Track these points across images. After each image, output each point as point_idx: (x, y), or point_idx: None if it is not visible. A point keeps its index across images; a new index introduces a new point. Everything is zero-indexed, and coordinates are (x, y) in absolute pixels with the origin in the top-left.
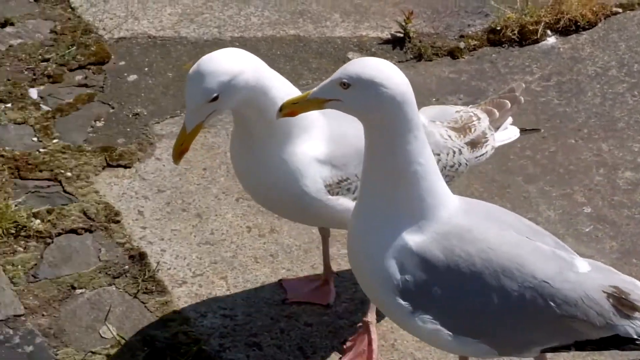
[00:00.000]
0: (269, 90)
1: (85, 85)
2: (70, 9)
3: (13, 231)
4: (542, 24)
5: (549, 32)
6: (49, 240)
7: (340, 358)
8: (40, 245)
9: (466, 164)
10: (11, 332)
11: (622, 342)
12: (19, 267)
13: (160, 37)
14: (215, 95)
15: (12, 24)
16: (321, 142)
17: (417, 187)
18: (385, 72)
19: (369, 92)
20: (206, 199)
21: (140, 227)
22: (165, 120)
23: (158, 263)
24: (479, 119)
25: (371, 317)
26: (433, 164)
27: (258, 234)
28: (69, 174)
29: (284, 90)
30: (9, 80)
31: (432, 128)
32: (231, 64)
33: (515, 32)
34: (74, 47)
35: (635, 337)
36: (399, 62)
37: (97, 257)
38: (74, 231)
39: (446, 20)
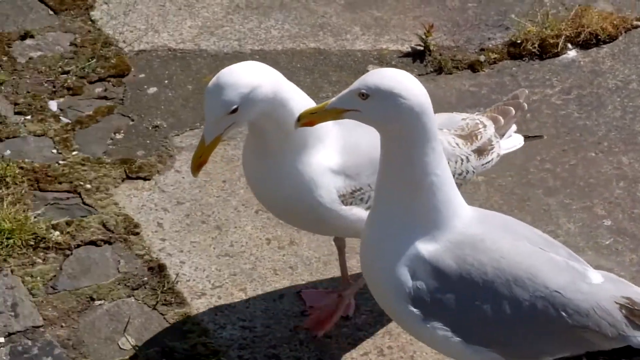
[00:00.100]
0: (287, 102)
1: (105, 98)
2: (90, 22)
3: (32, 243)
4: (563, 37)
5: (569, 45)
6: (68, 252)
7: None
8: (59, 257)
9: (473, 171)
10: (30, 343)
11: (634, 353)
12: (38, 278)
13: (180, 49)
14: (234, 107)
15: (32, 37)
16: (335, 152)
17: (432, 198)
18: (404, 82)
19: (387, 103)
20: (225, 211)
21: (159, 239)
22: (184, 133)
23: (177, 275)
24: (484, 126)
25: (349, 294)
26: (449, 175)
27: (277, 246)
28: (88, 185)
29: (302, 103)
30: (28, 92)
31: (440, 136)
32: (250, 76)
33: (536, 45)
34: (94, 60)
35: None
36: (419, 75)
37: (116, 269)
38: (93, 243)
39: (467, 33)
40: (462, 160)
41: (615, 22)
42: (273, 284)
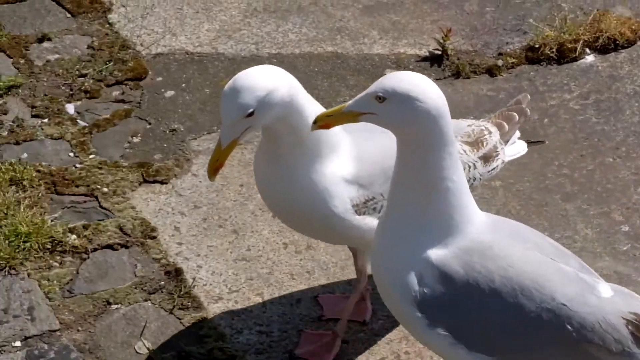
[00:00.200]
0: (302, 107)
1: (122, 101)
2: (107, 25)
3: (49, 246)
4: (581, 42)
5: (587, 50)
6: (84, 256)
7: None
8: (76, 261)
9: (480, 178)
10: (46, 347)
11: None
12: (55, 282)
13: (198, 53)
14: (251, 110)
15: (49, 39)
16: (348, 161)
17: (446, 204)
18: (421, 86)
19: (404, 106)
20: (243, 215)
21: (176, 243)
22: (202, 137)
23: (194, 279)
24: (490, 132)
25: (341, 330)
26: (464, 180)
27: (294, 251)
28: (105, 189)
29: (316, 109)
30: (46, 95)
31: None
32: (267, 79)
33: (554, 50)
34: (112, 63)
35: None
36: (437, 79)
37: (133, 273)
38: (110, 247)
39: (484, 37)
40: (469, 167)
41: (633, 27)
42: (290, 289)
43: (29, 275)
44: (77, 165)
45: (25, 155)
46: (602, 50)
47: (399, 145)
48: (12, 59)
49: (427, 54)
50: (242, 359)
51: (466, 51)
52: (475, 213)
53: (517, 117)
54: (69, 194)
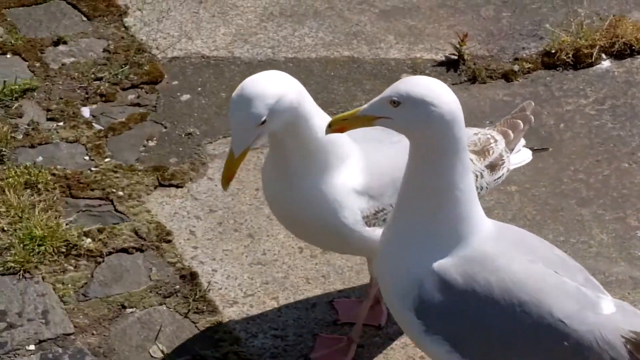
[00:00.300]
0: (309, 113)
1: (138, 105)
2: (123, 28)
3: (64, 250)
4: (597, 47)
5: (603, 55)
6: (99, 259)
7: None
8: (90, 264)
9: (487, 187)
10: (61, 350)
11: None
12: (70, 285)
13: (214, 57)
14: (263, 119)
15: (65, 43)
16: (358, 173)
17: (453, 213)
18: (436, 90)
19: (418, 111)
20: (258, 219)
21: (191, 247)
22: (217, 140)
23: (209, 283)
24: (496, 141)
25: (356, 335)
26: (473, 189)
27: (310, 255)
28: (120, 193)
29: (321, 117)
30: (61, 98)
31: None
32: (275, 86)
33: (570, 55)
34: (127, 66)
35: None
36: (453, 84)
37: (148, 277)
38: (125, 250)
39: (500, 42)
40: (476, 176)
41: None
42: (305, 293)
43: (43, 278)
44: (93, 169)
45: (40, 158)
46: (618, 55)
47: (412, 149)
48: (27, 62)
49: (444, 58)
50: None
51: (482, 56)
52: (481, 222)
53: (522, 124)
54: (84, 198)
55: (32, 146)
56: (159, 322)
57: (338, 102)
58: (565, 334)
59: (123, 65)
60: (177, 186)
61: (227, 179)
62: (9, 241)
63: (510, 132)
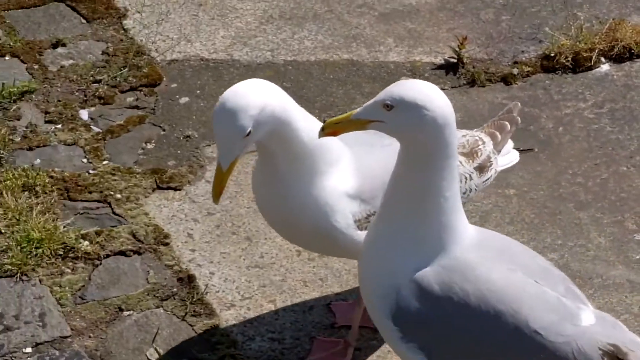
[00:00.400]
0: (293, 118)
1: (137, 107)
2: (122, 31)
3: (61, 252)
4: (596, 51)
5: (602, 59)
6: (97, 262)
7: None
8: (88, 267)
9: (475, 189)
10: (57, 353)
11: None
12: (67, 288)
13: (213, 59)
14: (249, 130)
15: (64, 45)
16: (349, 176)
17: (436, 220)
18: (429, 94)
19: (411, 114)
20: (256, 222)
21: (189, 250)
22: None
23: (207, 286)
24: (484, 142)
25: (352, 337)
26: (457, 197)
27: (307, 258)
28: (118, 195)
29: (307, 120)
30: (59, 101)
31: None
32: (257, 96)
33: (569, 58)
34: (126, 69)
35: None
36: (452, 87)
37: (145, 279)
38: (122, 253)
39: (500, 46)
40: (465, 178)
41: None
42: (303, 296)
43: (40, 281)
44: (91, 171)
45: (38, 160)
46: (618, 59)
47: (402, 152)
48: (26, 65)
49: (443, 62)
50: None
51: (481, 59)
52: (464, 230)
53: (509, 126)
54: (81, 200)
55: (30, 148)
56: (156, 325)
57: (337, 105)
58: (542, 345)
59: (122, 68)
60: (175, 189)
61: (217, 193)
62: (6, 244)
63: (497, 133)
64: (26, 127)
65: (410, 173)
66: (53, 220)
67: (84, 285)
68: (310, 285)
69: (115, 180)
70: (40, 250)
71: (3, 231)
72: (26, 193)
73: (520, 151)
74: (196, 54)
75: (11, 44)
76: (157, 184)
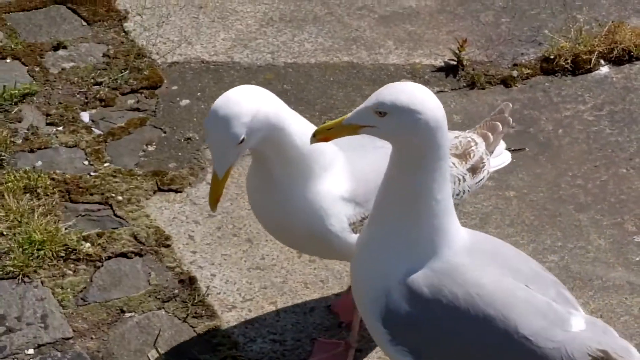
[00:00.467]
0: (285, 123)
1: (138, 110)
2: (123, 33)
3: (63, 254)
4: (596, 53)
5: (602, 61)
6: (98, 264)
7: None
8: (90, 269)
9: (468, 190)
10: (59, 354)
11: None
12: (69, 290)
13: (214, 62)
14: (242, 137)
15: (65, 47)
16: (344, 179)
17: (427, 223)
18: (422, 97)
19: (405, 119)
20: (257, 224)
21: (190, 252)
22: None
23: (208, 287)
24: (476, 143)
25: (353, 339)
26: (449, 200)
27: (308, 260)
28: (119, 197)
29: (300, 124)
30: (61, 103)
31: None
32: (250, 102)
33: (569, 61)
34: (127, 71)
35: None
36: (452, 89)
37: (146, 281)
38: (124, 255)
39: (499, 48)
40: (459, 180)
41: None
42: (303, 298)
43: (42, 283)
44: (92, 174)
45: (39, 163)
46: (617, 61)
47: (394, 155)
48: (27, 67)
49: (443, 64)
50: None
51: (481, 62)
52: (455, 233)
53: (500, 126)
54: (83, 202)
55: (32, 151)
56: (157, 327)
57: (337, 107)
58: (531, 351)
59: (123, 70)
60: (176, 191)
61: (214, 201)
62: (8, 245)
63: (489, 134)
64: (27, 130)
65: (402, 175)
66: (54, 222)
67: (85, 287)
68: (311, 286)
69: (116, 182)
70: (42, 252)
71: (5, 233)
72: (28, 195)
73: (512, 151)
74: (197, 56)
75: (12, 46)
76: (158, 186)
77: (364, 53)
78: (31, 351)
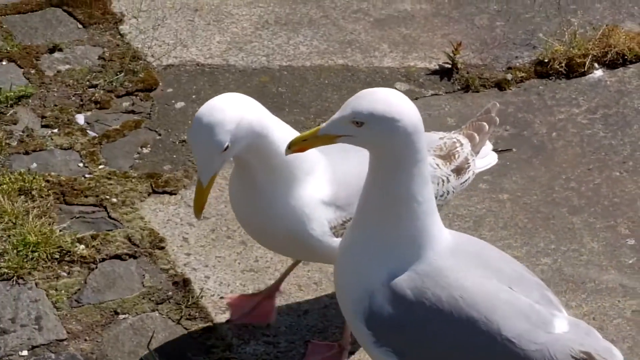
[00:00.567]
0: (269, 131)
1: (133, 112)
2: (119, 36)
3: (57, 256)
4: (590, 57)
5: (596, 65)
6: (93, 266)
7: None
8: (84, 271)
9: (453, 191)
10: (53, 356)
11: None
12: (63, 292)
13: (209, 64)
14: (226, 145)
15: (60, 50)
16: (325, 183)
17: (410, 225)
18: (398, 104)
19: (383, 127)
20: None
21: (184, 254)
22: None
23: (202, 289)
24: (461, 144)
25: (346, 341)
26: (431, 202)
27: (302, 262)
28: (114, 199)
29: (284, 131)
30: (56, 105)
31: None
32: (234, 110)
33: (563, 64)
34: (122, 74)
35: None
36: (447, 92)
37: (140, 283)
38: (118, 257)
39: (494, 51)
40: (443, 181)
41: None
42: (297, 300)
43: (36, 284)
44: (87, 176)
45: (34, 165)
46: (611, 65)
47: (372, 161)
48: (22, 69)
49: (437, 67)
50: None
51: (476, 65)
52: (439, 235)
53: (487, 127)
54: (78, 204)
55: (27, 153)
56: (151, 329)
57: (332, 110)
58: (514, 353)
59: (118, 73)
60: (170, 193)
61: (199, 208)
62: (2, 247)
63: (475, 135)
64: (23, 132)
65: (382, 179)
66: (49, 224)
67: (79, 289)
68: (304, 289)
69: (111, 184)
70: (36, 253)
71: None
72: (22, 197)
73: (498, 152)
74: (192, 59)
75: (8, 48)
76: (152, 188)
77: (358, 56)
78: (25, 353)
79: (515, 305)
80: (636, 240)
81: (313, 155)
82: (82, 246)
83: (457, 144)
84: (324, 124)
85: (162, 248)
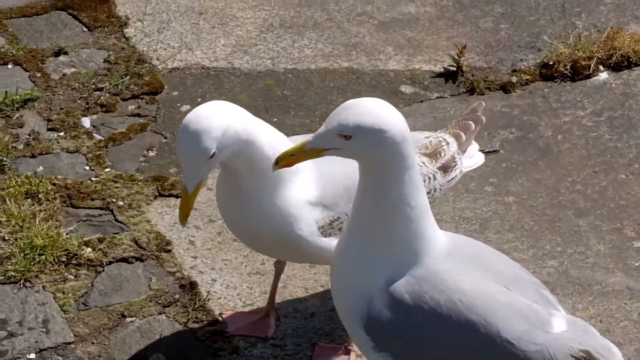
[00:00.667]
0: (257, 137)
1: (138, 115)
2: (124, 39)
3: (64, 259)
4: (595, 59)
5: (601, 67)
6: (99, 269)
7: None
8: (91, 274)
9: (440, 188)
10: (61, 359)
11: None
12: (70, 295)
13: (214, 67)
14: (213, 152)
15: (65, 53)
16: (311, 184)
17: (404, 231)
18: (385, 115)
19: (371, 139)
20: None
21: (191, 257)
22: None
23: (208, 292)
24: (447, 143)
25: (352, 344)
26: (424, 206)
27: (308, 265)
28: (120, 202)
29: (271, 135)
30: (62, 109)
31: None
32: (220, 117)
33: (568, 67)
34: (128, 77)
35: None
36: (452, 95)
37: (147, 286)
38: (125, 260)
39: (499, 54)
40: (429, 178)
41: None
42: (304, 303)
43: (44, 287)
44: (93, 179)
45: (41, 168)
46: (616, 67)
47: (361, 171)
48: (28, 73)
49: (442, 70)
50: None
51: (481, 68)
52: (434, 238)
53: (473, 125)
54: (84, 207)
55: (33, 156)
56: (158, 332)
57: None
58: (514, 355)
59: (123, 76)
60: (177, 196)
61: (184, 215)
62: (9, 250)
63: (462, 134)
64: (29, 135)
65: (372, 189)
66: (56, 227)
67: (87, 292)
68: (311, 291)
69: (117, 187)
70: (43, 257)
71: (6, 238)
72: (29, 200)
73: (486, 153)
74: (197, 62)
75: (14, 52)
76: (159, 191)
77: (363, 59)
78: (32, 356)
79: (514, 306)
80: None
81: None
82: (89, 249)
83: (443, 143)
84: (310, 138)
85: (169, 251)
